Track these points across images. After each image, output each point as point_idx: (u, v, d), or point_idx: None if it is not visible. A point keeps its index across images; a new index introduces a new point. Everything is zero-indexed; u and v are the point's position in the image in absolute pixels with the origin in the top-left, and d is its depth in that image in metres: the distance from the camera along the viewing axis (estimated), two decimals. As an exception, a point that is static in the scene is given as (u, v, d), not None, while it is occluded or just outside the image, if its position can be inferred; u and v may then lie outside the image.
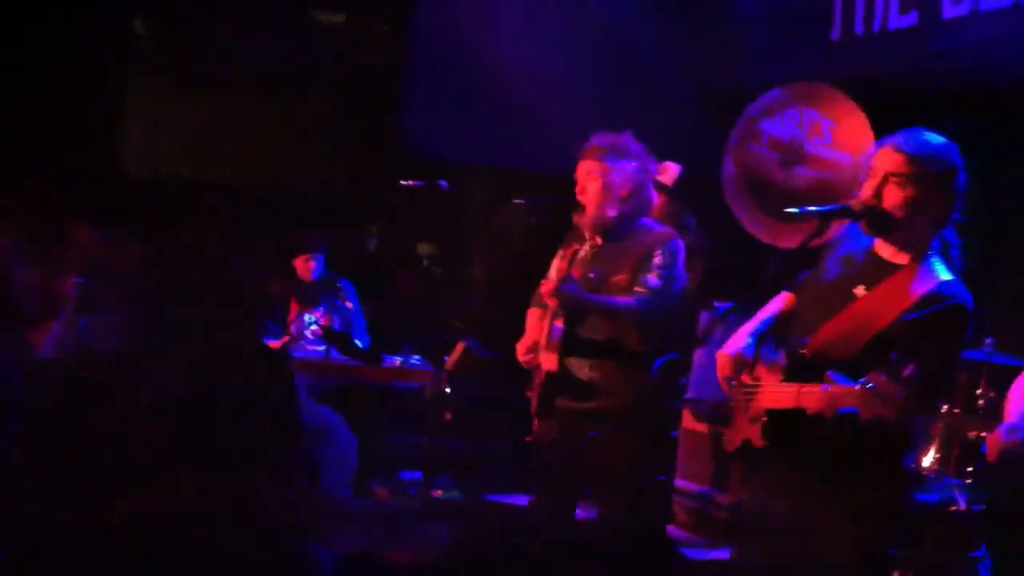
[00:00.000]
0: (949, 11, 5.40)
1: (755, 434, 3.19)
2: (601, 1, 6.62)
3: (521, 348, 4.19)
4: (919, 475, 4.49)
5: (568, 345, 4.02)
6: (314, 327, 6.49)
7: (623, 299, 3.97)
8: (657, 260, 4.01)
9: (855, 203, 3.17)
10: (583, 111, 5.93)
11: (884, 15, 5.83)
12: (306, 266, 6.68)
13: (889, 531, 3.27)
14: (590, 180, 4.09)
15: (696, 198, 5.25)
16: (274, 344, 6.39)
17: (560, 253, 4.29)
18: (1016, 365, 4.35)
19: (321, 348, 6.37)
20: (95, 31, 6.79)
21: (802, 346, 3.18)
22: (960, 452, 4.35)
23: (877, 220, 3.15)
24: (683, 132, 5.79)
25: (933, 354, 3.03)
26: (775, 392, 3.15)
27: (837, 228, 3.36)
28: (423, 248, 7.68)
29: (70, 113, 6.69)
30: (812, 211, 3.24)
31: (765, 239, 5.91)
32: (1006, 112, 5.02)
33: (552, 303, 4.02)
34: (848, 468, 3.08)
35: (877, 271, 3.17)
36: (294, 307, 6.61)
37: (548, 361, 4.05)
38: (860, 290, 3.17)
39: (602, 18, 6.59)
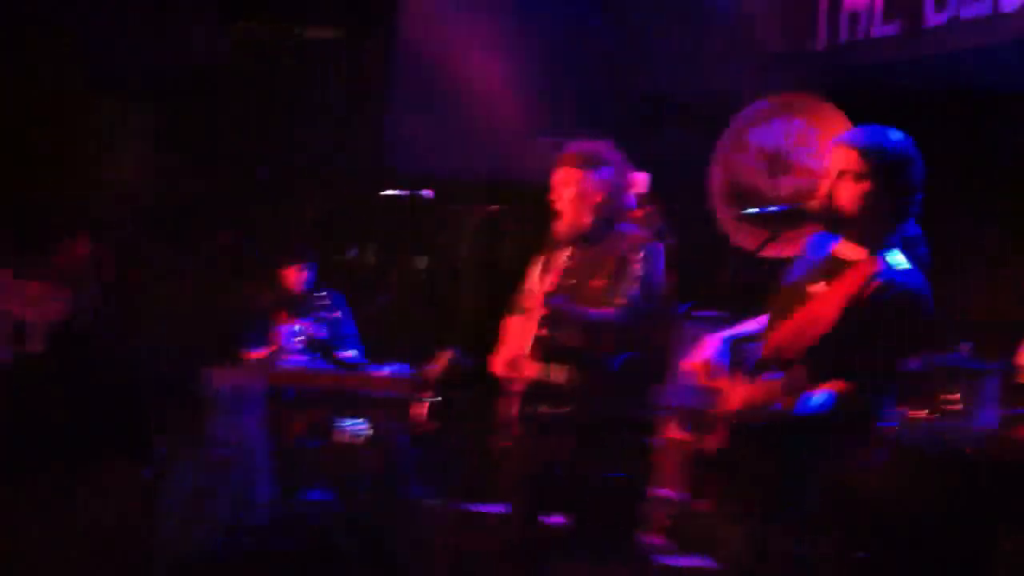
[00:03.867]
0: (931, 19, 5.43)
1: (725, 440, 3.18)
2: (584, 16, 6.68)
3: (500, 360, 4.18)
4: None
5: (547, 352, 4.03)
6: (300, 338, 6.49)
7: (605, 312, 3.97)
8: (636, 268, 4.01)
9: (813, 203, 3.15)
10: (554, 121, 5.97)
11: (868, 24, 5.86)
12: (297, 276, 6.67)
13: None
14: (565, 187, 4.11)
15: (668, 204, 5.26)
16: (259, 354, 6.39)
17: (539, 260, 4.29)
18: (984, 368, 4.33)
19: (305, 358, 6.37)
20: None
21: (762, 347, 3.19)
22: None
23: (834, 218, 3.13)
24: (662, 142, 5.81)
25: (875, 345, 2.97)
26: (741, 393, 3.12)
27: (804, 237, 3.35)
28: (408, 259, 7.67)
29: None
30: (769, 211, 3.25)
31: (752, 247, 5.91)
32: (984, 118, 5.04)
33: (541, 313, 4.01)
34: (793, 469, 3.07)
35: (835, 270, 3.14)
36: (281, 318, 6.60)
37: (530, 369, 4.05)
38: (816, 288, 3.14)
39: (587, 31, 6.64)
